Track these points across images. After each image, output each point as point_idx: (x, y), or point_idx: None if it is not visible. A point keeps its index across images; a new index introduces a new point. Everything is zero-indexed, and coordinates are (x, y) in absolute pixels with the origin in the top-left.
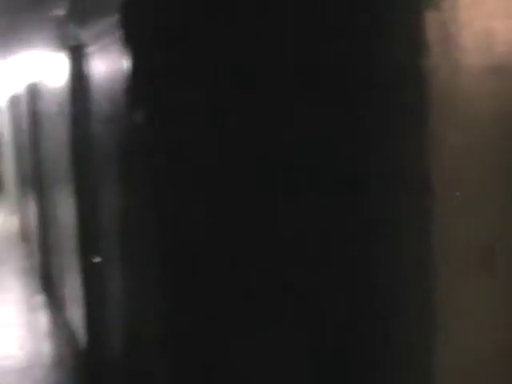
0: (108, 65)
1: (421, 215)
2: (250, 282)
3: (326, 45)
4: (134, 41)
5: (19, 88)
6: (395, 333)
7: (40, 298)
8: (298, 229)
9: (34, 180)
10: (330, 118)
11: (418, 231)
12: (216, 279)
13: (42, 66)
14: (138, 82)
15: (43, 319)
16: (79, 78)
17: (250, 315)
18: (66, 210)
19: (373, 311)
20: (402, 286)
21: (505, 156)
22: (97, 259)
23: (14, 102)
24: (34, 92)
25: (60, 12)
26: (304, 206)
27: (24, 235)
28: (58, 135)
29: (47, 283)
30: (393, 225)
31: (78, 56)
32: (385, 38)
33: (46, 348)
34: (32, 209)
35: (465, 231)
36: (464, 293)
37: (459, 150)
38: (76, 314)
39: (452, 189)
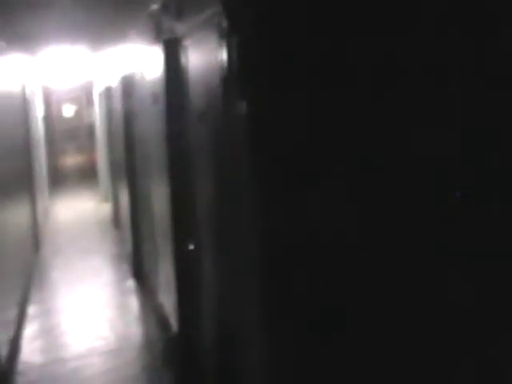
0: (205, 58)
1: None
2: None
3: None
4: (236, 33)
5: (115, 79)
6: None
7: (132, 283)
8: None
9: (127, 168)
10: None
11: None
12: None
13: (139, 59)
14: (238, 75)
15: (134, 303)
16: (175, 71)
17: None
18: (159, 198)
19: None
20: None
21: None
22: (191, 246)
23: (109, 93)
24: (128, 84)
25: (157, 5)
26: None
27: (116, 222)
28: (152, 126)
29: (139, 269)
30: None
31: (174, 49)
32: None
33: (137, 331)
34: (124, 196)
35: None
36: None
37: None
38: (168, 299)
39: None
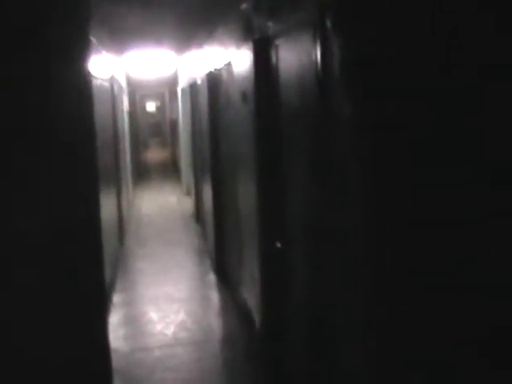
0: (298, 57)
1: None
2: None
3: None
4: (337, 33)
5: (200, 77)
6: None
7: (213, 277)
8: None
9: (212, 164)
10: None
11: None
12: None
13: (227, 57)
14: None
15: (216, 297)
16: (266, 70)
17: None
18: (246, 195)
19: None
20: None
21: None
22: (279, 244)
23: (194, 89)
24: (215, 81)
25: (248, 4)
26: None
27: (197, 216)
28: (240, 124)
29: (221, 264)
30: None
31: (265, 48)
32: None
33: (220, 324)
34: (207, 191)
35: None
36: None
37: None
38: (252, 296)
39: None
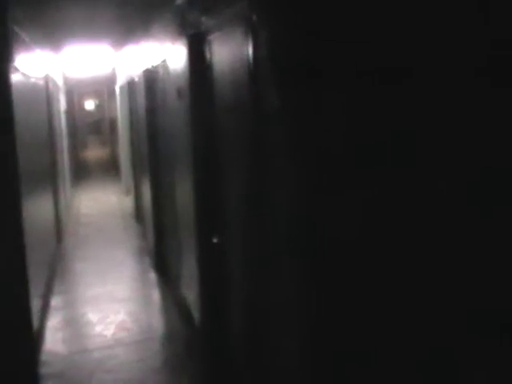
0: (231, 52)
1: None
2: None
3: None
4: (265, 27)
5: (137, 73)
6: None
7: (154, 276)
8: None
9: (150, 162)
10: None
11: None
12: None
13: (163, 53)
14: (268, 71)
15: (157, 295)
16: (200, 66)
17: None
18: (183, 192)
19: None
20: None
21: None
22: (216, 239)
23: (131, 87)
24: (151, 78)
25: (181, 0)
26: None
27: (138, 215)
28: (176, 120)
29: (161, 262)
30: None
31: (199, 43)
32: None
33: (160, 323)
34: (147, 190)
35: None
36: None
37: None
38: (191, 292)
39: None
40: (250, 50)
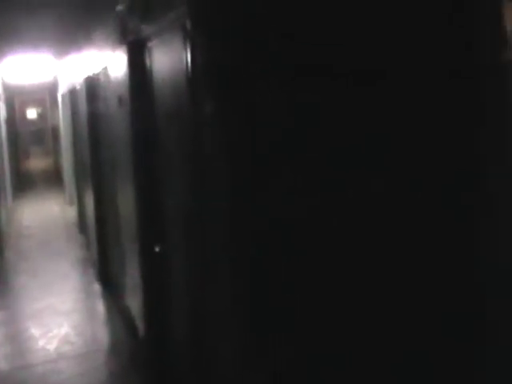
0: (170, 59)
1: None
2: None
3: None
4: (200, 34)
5: (79, 81)
6: None
7: (98, 287)
8: None
9: (92, 171)
10: None
11: None
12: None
13: (104, 61)
14: (203, 77)
15: (101, 307)
16: (140, 73)
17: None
18: (125, 201)
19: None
20: None
21: None
22: (157, 248)
23: (73, 95)
24: (93, 86)
25: (123, 6)
26: None
27: (81, 225)
28: (118, 129)
29: (105, 272)
30: None
31: (139, 50)
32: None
33: (105, 335)
34: (90, 200)
35: None
36: None
37: None
38: (134, 303)
39: None
40: (188, 57)
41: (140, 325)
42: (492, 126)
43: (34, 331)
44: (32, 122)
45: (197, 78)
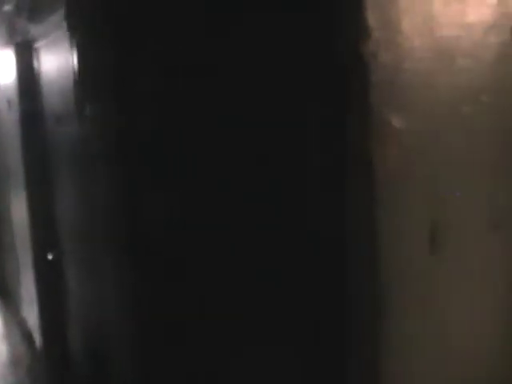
0: (58, 61)
1: None
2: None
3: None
4: (82, 34)
5: None
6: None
7: None
8: None
9: None
10: None
11: None
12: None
13: None
14: (87, 77)
15: None
16: (28, 75)
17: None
18: (17, 209)
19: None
20: None
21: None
22: (50, 256)
23: None
24: None
25: (10, 6)
26: None
27: None
28: (7, 133)
29: (2, 284)
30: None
31: (26, 52)
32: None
33: (1, 349)
34: None
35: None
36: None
37: (404, 136)
38: (30, 314)
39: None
40: (74, 59)
41: (37, 337)
42: (353, 124)
43: None
44: None
45: (81, 79)
